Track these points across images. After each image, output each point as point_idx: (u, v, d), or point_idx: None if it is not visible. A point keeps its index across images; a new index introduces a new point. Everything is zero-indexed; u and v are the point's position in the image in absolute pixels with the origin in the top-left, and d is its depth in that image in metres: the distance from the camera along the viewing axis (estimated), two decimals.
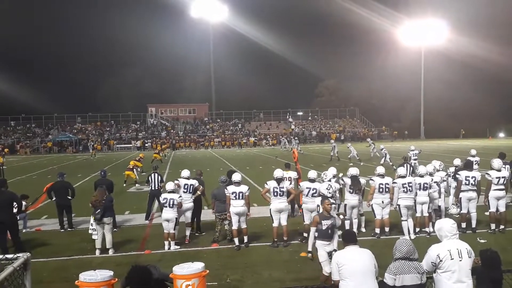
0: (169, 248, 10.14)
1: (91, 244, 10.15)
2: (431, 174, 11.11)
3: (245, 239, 10.20)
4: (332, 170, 11.14)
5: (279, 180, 10.28)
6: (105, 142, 62.50)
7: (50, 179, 19.17)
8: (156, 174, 13.28)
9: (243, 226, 10.18)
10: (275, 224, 10.16)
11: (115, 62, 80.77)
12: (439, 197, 11.19)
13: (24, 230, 11.96)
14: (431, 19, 66.15)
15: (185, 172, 11.53)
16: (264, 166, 28.26)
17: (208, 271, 5.84)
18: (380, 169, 10.89)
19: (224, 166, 28.18)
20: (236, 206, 10.07)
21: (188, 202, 11.05)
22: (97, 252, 9.85)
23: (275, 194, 10.16)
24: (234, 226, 10.13)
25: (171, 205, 10.20)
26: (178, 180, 11.48)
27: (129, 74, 79.49)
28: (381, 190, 10.50)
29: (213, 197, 10.79)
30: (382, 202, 10.47)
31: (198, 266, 5.72)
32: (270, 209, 10.26)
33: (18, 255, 3.89)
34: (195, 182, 11.36)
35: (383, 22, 69.31)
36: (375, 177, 10.77)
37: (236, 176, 10.45)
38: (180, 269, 5.67)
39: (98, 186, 10.97)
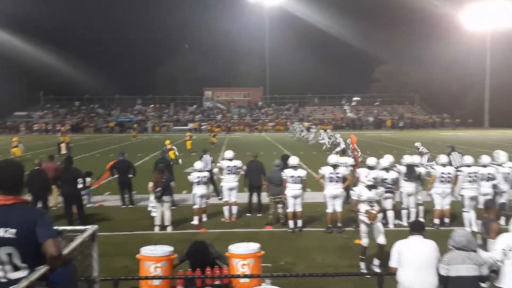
0: (200, 221, 10.67)
1: (150, 221, 10.56)
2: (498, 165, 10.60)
3: (299, 223, 10.23)
4: (388, 158, 10.86)
5: (335, 166, 10.20)
6: (163, 124, 64.37)
7: (112, 157, 20.05)
8: (207, 155, 13.54)
9: (298, 209, 10.21)
10: (329, 210, 10.10)
11: (173, 45, 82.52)
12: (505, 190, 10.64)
13: (88, 205, 12.61)
14: (499, 0, 61.97)
15: (229, 153, 11.77)
16: (318, 151, 28.01)
17: (263, 252, 5.92)
18: (443, 158, 10.47)
19: (277, 151, 28.21)
20: (294, 190, 10.12)
21: (232, 182, 11.29)
22: (156, 228, 10.24)
23: (331, 180, 10.09)
24: (290, 209, 10.18)
25: (204, 182, 10.79)
26: (220, 163, 11.74)
27: (187, 57, 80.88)
28: (442, 179, 10.10)
29: (268, 180, 10.92)
30: (443, 192, 10.09)
31: (254, 246, 5.81)
32: (324, 195, 10.20)
33: (87, 227, 4.09)
34: (238, 163, 11.59)
35: (446, 5, 65.84)
36: (436, 165, 10.38)
37: (294, 160, 10.49)
38: (236, 248, 5.77)
39: (157, 165, 11.36)
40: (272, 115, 69.43)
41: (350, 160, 12.46)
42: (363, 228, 7.61)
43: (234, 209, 11.30)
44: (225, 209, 11.26)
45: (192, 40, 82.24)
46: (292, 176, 10.18)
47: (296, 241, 9.54)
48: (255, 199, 11.86)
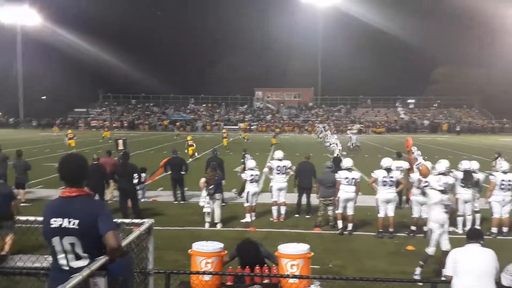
0: (251, 220, 10.92)
1: (200, 217, 10.77)
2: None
3: (350, 226, 10.09)
4: (444, 163, 10.47)
5: (388, 170, 9.96)
6: (214, 123, 65.42)
7: (165, 154, 20.61)
8: (248, 155, 13.73)
9: (350, 212, 10.08)
10: (381, 214, 9.88)
11: (226, 45, 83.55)
12: None
13: (142, 200, 13.03)
14: None
15: (279, 154, 11.78)
16: (370, 154, 27.45)
17: (313, 253, 5.87)
18: (505, 165, 9.99)
19: (327, 152, 27.91)
20: (347, 192, 10.02)
21: (281, 182, 11.33)
22: (207, 225, 10.45)
23: (384, 183, 9.85)
24: (340, 210, 10.07)
25: (256, 180, 11.03)
26: (270, 163, 11.79)
27: (238, 57, 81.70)
28: (503, 187, 9.63)
29: (318, 182, 10.84)
30: (503, 200, 9.62)
31: (303, 247, 5.77)
32: (376, 199, 9.98)
33: (143, 220, 4.23)
34: (288, 163, 11.59)
35: (507, 5, 62.36)
36: (497, 172, 9.90)
37: (348, 162, 10.36)
38: (285, 248, 5.76)
39: (210, 164, 11.57)
40: (322, 116, 68.75)
41: (405, 164, 12.12)
42: (434, 236, 7.35)
43: (283, 209, 11.31)
44: (274, 209, 11.29)
45: (244, 40, 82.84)
46: (347, 178, 10.06)
47: (345, 244, 9.42)
48: (303, 200, 11.81)
